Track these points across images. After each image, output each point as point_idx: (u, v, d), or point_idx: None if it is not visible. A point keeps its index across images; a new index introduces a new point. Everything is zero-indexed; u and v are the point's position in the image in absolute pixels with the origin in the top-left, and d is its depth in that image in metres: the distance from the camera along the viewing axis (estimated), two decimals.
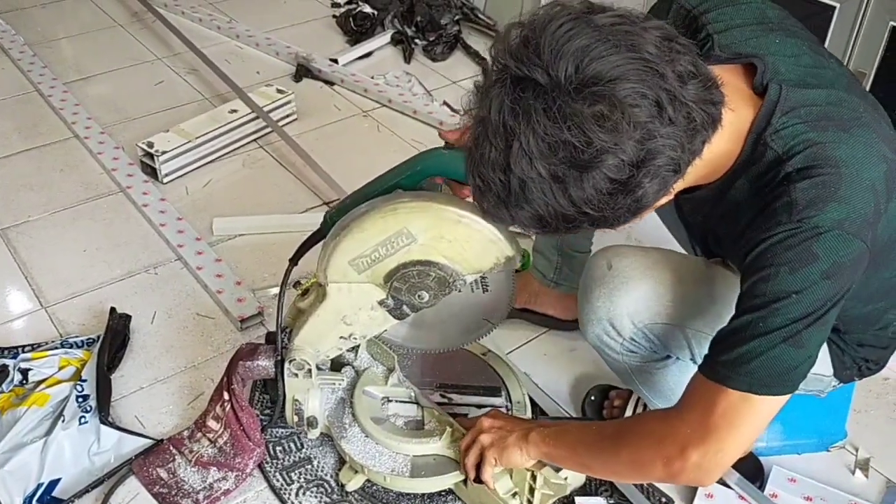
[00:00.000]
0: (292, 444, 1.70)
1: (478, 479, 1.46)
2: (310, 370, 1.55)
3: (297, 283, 1.57)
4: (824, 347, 1.29)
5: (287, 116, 2.73)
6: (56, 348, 1.82)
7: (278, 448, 1.69)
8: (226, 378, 1.64)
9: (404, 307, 1.44)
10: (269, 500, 1.61)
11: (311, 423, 1.61)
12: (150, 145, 2.42)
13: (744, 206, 1.14)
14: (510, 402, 1.69)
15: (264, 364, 1.60)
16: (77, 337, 1.88)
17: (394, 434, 1.58)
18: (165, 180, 2.44)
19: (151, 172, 2.45)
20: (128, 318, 1.94)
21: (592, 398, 1.82)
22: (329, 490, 1.62)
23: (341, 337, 1.52)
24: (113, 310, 1.93)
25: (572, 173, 0.98)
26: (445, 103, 2.82)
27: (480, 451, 1.44)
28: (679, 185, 1.07)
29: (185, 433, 1.70)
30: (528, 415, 1.67)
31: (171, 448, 1.68)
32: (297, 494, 1.61)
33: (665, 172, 1.01)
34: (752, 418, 1.11)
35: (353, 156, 2.59)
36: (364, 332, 1.51)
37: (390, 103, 2.84)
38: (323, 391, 1.62)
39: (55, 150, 2.60)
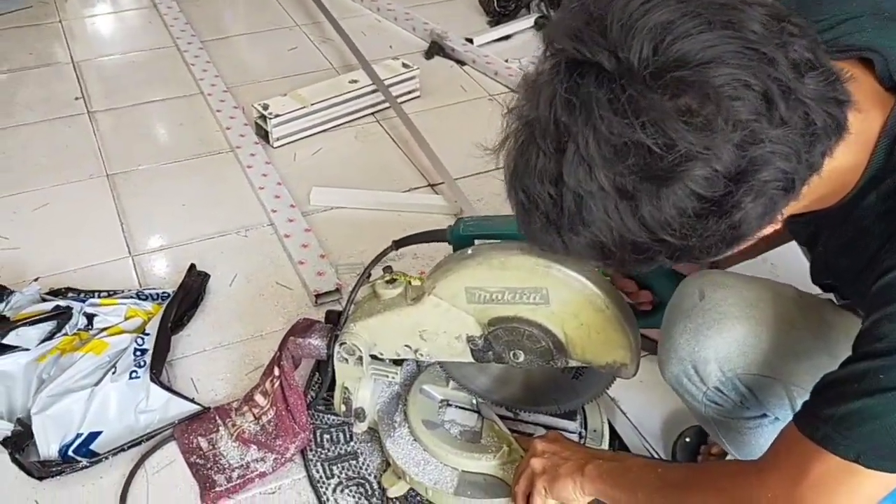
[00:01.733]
0: (341, 435, 1.57)
1: None
2: (360, 357, 1.40)
3: (387, 268, 1.42)
4: None
5: (409, 93, 2.61)
6: (128, 298, 1.78)
7: (326, 437, 1.56)
8: (278, 353, 1.53)
9: (490, 355, 1.32)
10: (305, 491, 1.48)
11: (359, 414, 1.46)
12: (265, 107, 2.37)
13: (872, 232, 0.87)
14: (585, 428, 1.48)
15: (316, 343, 1.47)
16: (152, 289, 1.84)
17: (444, 443, 1.41)
18: (276, 144, 2.38)
19: (264, 135, 2.40)
20: (205, 276, 1.88)
21: (687, 440, 1.56)
22: (369, 492, 1.47)
23: (406, 346, 1.37)
24: (192, 266, 1.88)
25: (646, 187, 0.76)
26: None
27: (530, 477, 1.25)
28: (790, 209, 0.83)
29: (234, 405, 1.61)
30: (605, 447, 1.45)
31: (217, 418, 1.59)
32: (334, 490, 1.47)
33: (773, 190, 0.77)
34: (853, 496, 0.84)
35: (469, 139, 2.42)
36: (432, 354, 1.36)
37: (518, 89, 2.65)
38: (376, 382, 1.47)
39: (179, 103, 2.63)
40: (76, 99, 2.63)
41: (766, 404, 1.11)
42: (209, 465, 1.51)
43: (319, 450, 1.54)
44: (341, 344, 1.40)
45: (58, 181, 2.24)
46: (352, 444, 1.55)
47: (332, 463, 1.52)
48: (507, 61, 2.80)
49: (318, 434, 1.56)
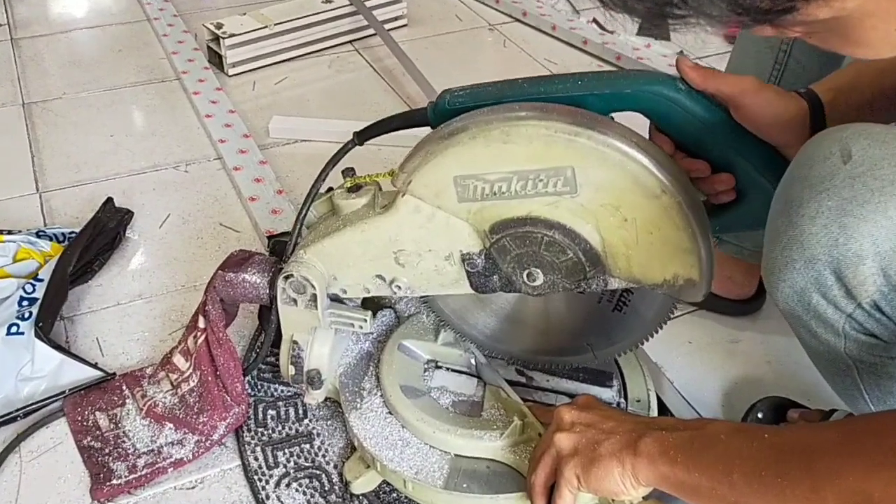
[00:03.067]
0: (291, 411, 1.15)
1: None
2: (313, 297, 0.99)
3: (347, 171, 1.02)
4: None
5: (395, 19, 2.21)
6: (22, 237, 1.37)
7: (270, 413, 1.15)
8: (204, 297, 1.12)
9: (495, 280, 0.93)
10: (237, 485, 1.07)
11: (312, 379, 1.05)
12: (219, 26, 1.96)
13: None
14: (625, 398, 1.07)
15: (253, 280, 1.06)
16: (57, 228, 1.42)
17: (432, 416, 1.00)
18: (231, 72, 1.98)
19: (218, 62, 2.00)
20: (126, 214, 1.47)
21: (760, 415, 1.15)
22: (326, 486, 1.06)
23: (378, 276, 0.97)
24: (108, 200, 1.47)
25: None
26: (595, 21, 2.20)
27: (555, 461, 0.84)
28: None
29: (148, 370, 1.20)
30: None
31: (124, 387, 1.18)
32: (278, 484, 1.06)
33: None
34: None
35: (465, 71, 2.03)
36: (414, 285, 0.97)
37: (524, 17, 2.26)
38: (337, 335, 1.06)
39: (120, 30, 2.24)
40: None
41: None
42: (107, 450, 1.09)
43: (260, 430, 1.13)
44: (287, 278, 0.99)
45: None
46: (305, 422, 1.14)
47: (276, 447, 1.10)
48: None
49: (259, 409, 1.15)
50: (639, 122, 0.86)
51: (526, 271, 0.91)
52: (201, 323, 1.11)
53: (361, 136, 1.02)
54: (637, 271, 0.87)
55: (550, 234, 0.87)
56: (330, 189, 1.07)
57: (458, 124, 0.85)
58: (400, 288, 0.98)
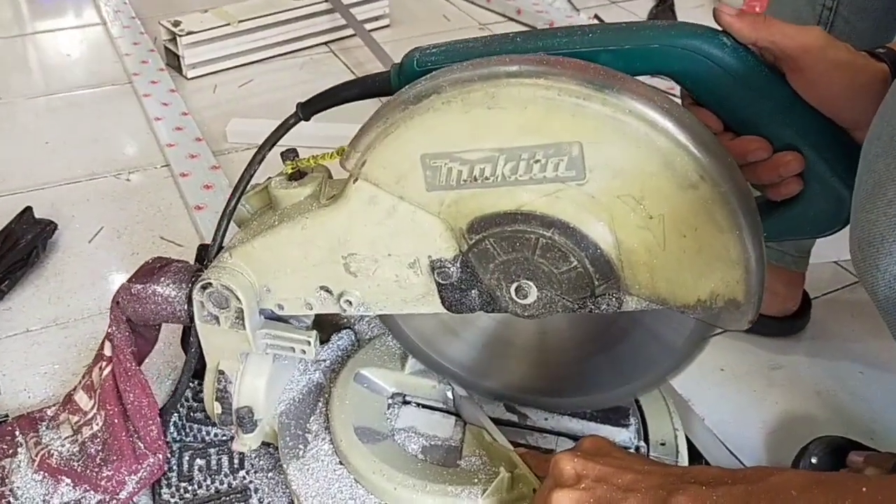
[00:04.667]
0: (224, 461, 0.92)
1: None
2: (240, 312, 0.77)
3: (288, 152, 0.81)
4: None
5: (376, 19, 2.01)
6: None
7: (198, 462, 0.91)
8: (110, 316, 0.89)
9: (474, 295, 0.71)
10: None
11: (242, 420, 0.82)
12: (176, 24, 1.75)
13: None
14: (645, 441, 0.83)
15: (166, 293, 0.83)
16: None
17: (393, 467, 0.76)
18: (190, 74, 1.77)
19: (175, 63, 1.79)
20: (48, 226, 1.25)
21: (814, 460, 0.91)
22: None
23: (323, 288, 0.75)
24: (26, 210, 1.25)
25: None
26: (597, 17, 1.99)
27: None
28: None
29: (49, 411, 0.96)
30: (684, 465, 0.81)
31: (17, 433, 0.94)
32: None
33: None
34: None
35: None
36: (368, 301, 0.75)
37: (519, 15, 2.06)
38: (277, 363, 0.83)
39: (72, 34, 2.04)
40: None
41: None
42: None
43: (184, 485, 0.89)
44: (204, 287, 0.76)
45: None
46: (241, 474, 0.90)
47: None
48: None
49: (184, 458, 0.92)
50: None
51: (514, 285, 0.68)
52: (107, 350, 0.88)
53: (306, 109, 0.80)
54: (663, 287, 0.65)
55: (548, 235, 0.65)
56: (291, 152, 0.85)
57: (427, 84, 0.63)
58: (351, 304, 0.75)
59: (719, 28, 0.65)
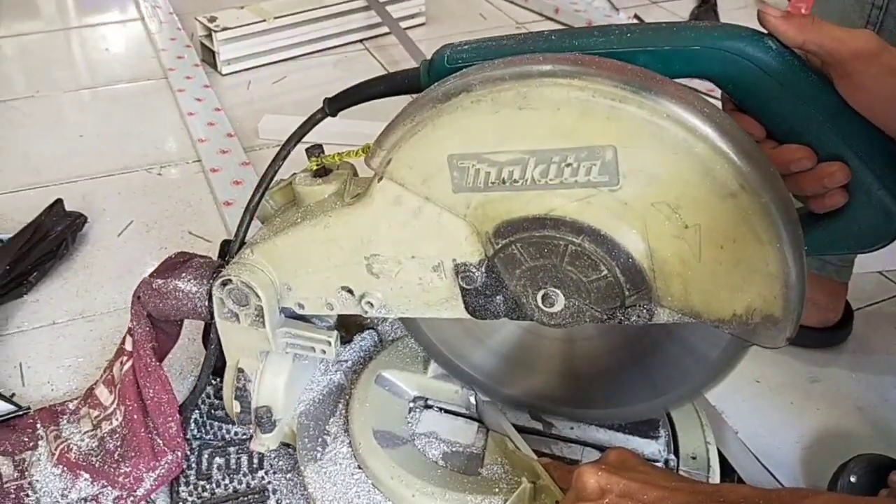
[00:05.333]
0: (244, 460, 0.90)
1: None
2: (260, 310, 0.75)
3: (314, 148, 0.79)
4: None
5: (412, 17, 1.99)
6: None
7: (217, 461, 0.90)
8: (132, 310, 0.88)
9: (499, 301, 0.68)
10: None
11: (261, 419, 0.81)
12: (212, 20, 1.76)
13: None
14: (675, 454, 0.80)
15: (187, 288, 0.81)
16: None
17: (412, 473, 0.74)
18: (225, 70, 1.77)
19: (211, 60, 1.79)
20: (79, 219, 1.25)
21: (853, 479, 0.87)
22: None
23: (344, 288, 0.73)
24: (57, 203, 1.25)
25: None
26: (636, 17, 1.95)
27: None
28: None
29: (71, 405, 0.96)
30: (715, 480, 0.78)
31: (38, 426, 0.94)
32: None
33: None
34: None
35: None
36: (390, 303, 0.73)
37: (556, 14, 2.02)
38: (297, 362, 0.82)
39: (112, 29, 2.05)
40: None
41: None
42: None
43: (202, 483, 0.88)
44: (224, 284, 0.75)
45: None
46: (260, 475, 0.89)
47: None
48: None
49: (203, 456, 0.90)
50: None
51: (541, 292, 0.66)
52: (128, 345, 0.87)
53: (333, 104, 0.78)
54: (697, 300, 0.62)
55: (578, 242, 0.62)
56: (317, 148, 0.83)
57: (456, 81, 0.61)
58: (372, 305, 0.73)
59: (764, 30, 0.62)
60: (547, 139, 0.59)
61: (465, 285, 0.69)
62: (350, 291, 0.74)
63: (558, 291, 0.66)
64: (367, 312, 0.74)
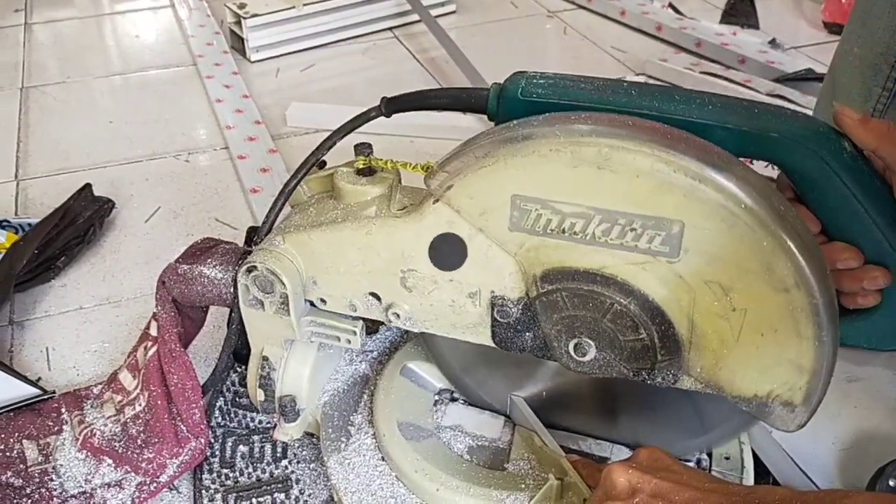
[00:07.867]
0: (268, 449, 0.90)
1: None
2: (285, 298, 0.74)
3: (363, 146, 0.77)
4: None
5: (441, 5, 1.97)
6: None
7: (241, 449, 0.89)
8: (156, 295, 0.87)
9: (528, 338, 0.69)
10: None
11: (285, 408, 0.80)
12: (242, 6, 1.75)
13: None
14: (708, 454, 0.78)
15: (212, 275, 0.81)
16: (25, 218, 1.21)
17: (436, 467, 0.73)
18: (254, 57, 1.76)
19: (240, 46, 1.79)
20: (106, 204, 1.25)
21: (892, 482, 0.84)
22: None
23: (372, 294, 0.72)
24: (86, 187, 1.25)
25: None
26: (671, 6, 1.92)
27: None
28: None
29: (95, 389, 0.96)
30: (749, 482, 0.75)
31: (63, 410, 0.94)
32: None
33: None
34: None
35: (521, 64, 1.74)
36: (416, 317, 0.72)
37: (590, 2, 1.99)
38: (322, 351, 0.81)
39: (141, 16, 2.05)
40: (16, 11, 2.07)
41: None
42: (28, 490, 0.85)
43: (226, 471, 0.87)
44: (250, 270, 0.74)
45: None
46: (284, 464, 0.88)
47: (242, 496, 0.85)
48: None
49: (227, 444, 0.90)
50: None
51: (574, 341, 0.66)
52: (153, 330, 0.87)
53: (390, 106, 0.76)
54: (724, 377, 0.63)
55: (624, 303, 0.62)
56: (323, 164, 0.82)
57: (537, 128, 0.60)
58: (398, 316, 0.72)
59: (838, 127, 0.61)
60: (619, 202, 0.58)
61: (498, 318, 0.68)
62: (378, 298, 0.72)
63: (592, 343, 0.66)
64: (390, 321, 0.73)
